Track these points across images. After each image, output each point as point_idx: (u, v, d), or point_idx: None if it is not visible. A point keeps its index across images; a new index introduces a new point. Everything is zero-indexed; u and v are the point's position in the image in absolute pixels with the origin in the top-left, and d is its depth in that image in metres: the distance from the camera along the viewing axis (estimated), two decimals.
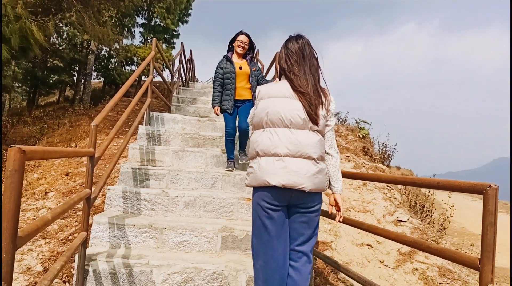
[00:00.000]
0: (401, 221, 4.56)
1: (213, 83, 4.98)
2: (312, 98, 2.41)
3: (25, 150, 1.52)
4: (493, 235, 1.73)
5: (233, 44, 4.94)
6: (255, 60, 5.17)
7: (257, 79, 5.00)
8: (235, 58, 4.97)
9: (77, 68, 24.67)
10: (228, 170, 4.91)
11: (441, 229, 5.48)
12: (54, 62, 24.48)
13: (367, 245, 4.19)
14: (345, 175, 3.45)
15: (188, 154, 5.19)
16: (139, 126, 5.62)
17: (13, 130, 11.04)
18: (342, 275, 3.68)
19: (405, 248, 4.08)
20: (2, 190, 1.51)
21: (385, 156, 7.95)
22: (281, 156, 2.34)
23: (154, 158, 5.12)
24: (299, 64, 2.52)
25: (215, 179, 4.80)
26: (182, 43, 10.65)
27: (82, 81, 22.45)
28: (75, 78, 25.73)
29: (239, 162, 5.23)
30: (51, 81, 26.06)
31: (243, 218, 4.31)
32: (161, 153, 5.15)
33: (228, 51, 5.03)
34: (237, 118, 5.00)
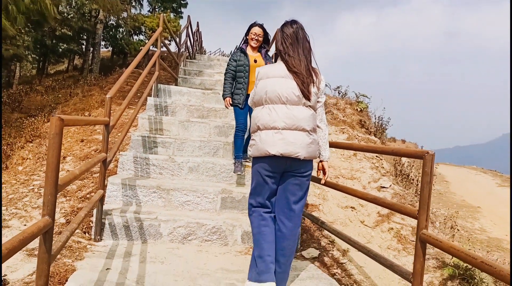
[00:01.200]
0: (384, 187, 5.04)
1: (225, 74, 4.83)
2: (304, 77, 2.75)
3: (63, 119, 1.98)
4: (429, 191, 2.19)
5: (247, 37, 4.77)
6: (270, 54, 5.06)
7: None
8: (249, 51, 4.78)
9: (85, 37, 24.93)
10: (237, 174, 4.74)
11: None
12: (62, 31, 24.69)
13: (351, 207, 4.69)
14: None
15: (193, 124, 5.65)
16: (148, 97, 6.07)
17: (27, 99, 11.53)
18: (325, 232, 4.19)
19: (385, 211, 4.56)
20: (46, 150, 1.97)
21: (380, 128, 8.36)
22: (279, 129, 2.70)
23: (162, 128, 5.59)
24: (293, 46, 2.83)
25: (217, 147, 5.28)
26: (188, 16, 10.93)
27: (91, 50, 22.76)
28: (83, 47, 26.03)
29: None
30: (60, 50, 26.37)
31: (241, 183, 4.80)
32: (168, 123, 5.61)
33: (242, 44, 4.89)
34: (249, 114, 4.83)
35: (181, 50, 9.57)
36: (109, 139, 5.82)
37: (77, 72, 25.38)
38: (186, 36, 10.53)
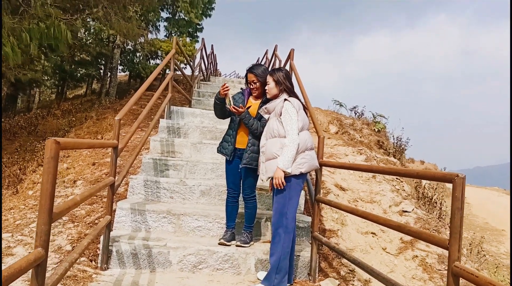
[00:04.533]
0: (406, 211, 4.77)
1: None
2: None
3: (60, 141, 1.83)
4: (460, 219, 1.96)
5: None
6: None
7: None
8: (252, 97, 3.91)
9: (103, 62, 25.38)
10: (221, 242, 3.79)
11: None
12: (81, 56, 25.23)
13: (372, 233, 4.43)
14: (335, 165, 3.91)
15: (205, 146, 5.50)
16: (160, 119, 5.96)
17: (43, 123, 11.63)
18: (345, 260, 3.93)
19: (408, 237, 4.29)
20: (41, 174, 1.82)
21: (399, 149, 8.10)
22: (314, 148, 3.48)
23: (174, 150, 5.45)
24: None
25: None
26: (203, 39, 10.97)
27: (108, 74, 23.10)
28: (101, 71, 26.49)
29: (239, 243, 3.83)
30: (79, 74, 26.91)
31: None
32: (180, 145, 5.47)
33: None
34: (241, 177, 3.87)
35: (195, 72, 9.54)
36: (121, 162, 5.74)
37: (95, 96, 25.78)
38: (200, 58, 10.54)
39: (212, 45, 14.10)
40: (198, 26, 27.16)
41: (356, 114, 9.79)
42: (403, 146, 8.29)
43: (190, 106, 8.10)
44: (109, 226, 3.58)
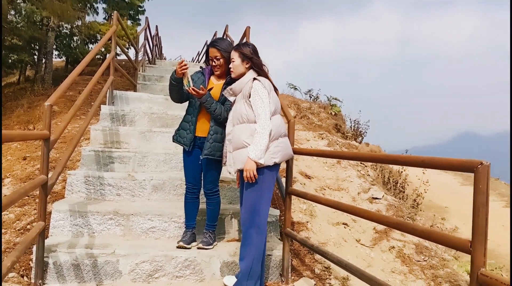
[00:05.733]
0: (376, 198, 4.49)
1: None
2: None
3: None
4: (485, 216, 1.60)
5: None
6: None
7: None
8: (213, 78, 3.35)
9: (37, 47, 23.49)
10: (180, 246, 3.27)
11: (414, 206, 5.48)
12: (12, 41, 23.19)
13: (343, 224, 4.10)
14: (312, 153, 3.49)
15: (156, 135, 4.92)
16: (102, 106, 5.28)
17: None
18: (318, 256, 3.57)
19: (381, 226, 4.00)
20: None
21: (357, 133, 7.90)
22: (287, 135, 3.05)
23: (119, 140, 4.82)
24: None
25: None
26: (146, 18, 10.23)
27: (43, 60, 21.39)
28: (35, 57, 24.57)
29: (201, 245, 3.35)
30: (10, 61, 24.77)
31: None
32: (126, 134, 4.85)
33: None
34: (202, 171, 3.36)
35: (140, 54, 8.79)
36: (57, 155, 5.03)
37: (29, 83, 23.91)
38: (145, 39, 9.74)
39: (156, 26, 13.29)
40: (140, 8, 25.78)
41: (311, 97, 9.50)
42: (360, 129, 8.10)
43: (135, 91, 7.40)
44: (43, 234, 2.96)
